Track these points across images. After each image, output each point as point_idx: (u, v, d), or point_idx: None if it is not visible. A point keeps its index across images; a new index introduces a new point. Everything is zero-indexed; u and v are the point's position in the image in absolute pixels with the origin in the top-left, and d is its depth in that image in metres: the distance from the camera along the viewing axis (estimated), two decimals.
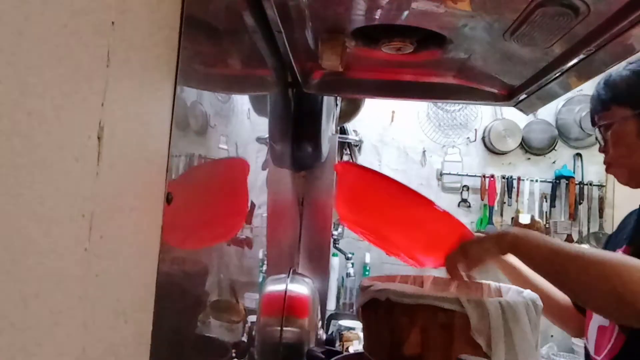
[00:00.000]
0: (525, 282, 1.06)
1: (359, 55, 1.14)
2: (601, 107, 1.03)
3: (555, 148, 3.12)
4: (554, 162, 3.13)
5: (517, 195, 3.07)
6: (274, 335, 1.26)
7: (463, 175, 3.11)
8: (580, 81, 1.12)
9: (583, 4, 0.78)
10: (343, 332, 1.93)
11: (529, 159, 3.14)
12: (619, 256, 0.83)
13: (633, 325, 0.86)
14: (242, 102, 1.05)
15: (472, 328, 0.75)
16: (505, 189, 3.08)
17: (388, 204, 0.90)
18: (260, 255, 1.39)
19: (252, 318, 1.26)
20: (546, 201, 3.08)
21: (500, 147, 3.06)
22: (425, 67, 1.23)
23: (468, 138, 3.09)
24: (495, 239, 0.87)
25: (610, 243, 1.14)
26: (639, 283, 0.73)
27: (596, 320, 1.02)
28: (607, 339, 0.97)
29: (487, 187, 3.07)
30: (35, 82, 0.36)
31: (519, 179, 3.07)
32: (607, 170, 1.06)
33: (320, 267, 1.91)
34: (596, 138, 1.08)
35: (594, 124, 1.07)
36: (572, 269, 0.79)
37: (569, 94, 2.75)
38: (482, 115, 2.99)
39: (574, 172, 3.08)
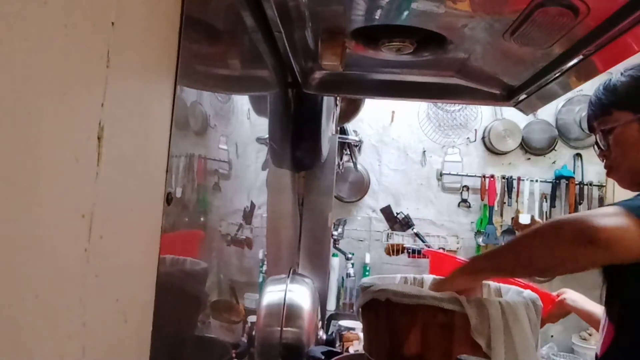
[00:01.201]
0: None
1: (359, 55, 1.14)
2: (601, 111, 1.03)
3: (555, 148, 3.12)
4: (554, 162, 3.13)
5: (517, 195, 3.06)
6: (274, 335, 1.26)
7: (463, 175, 3.10)
8: (580, 81, 1.12)
9: (583, 4, 0.78)
10: (343, 332, 1.92)
11: (529, 159, 3.14)
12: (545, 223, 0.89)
13: (603, 263, 0.88)
14: (242, 102, 1.05)
15: (472, 328, 0.74)
16: (505, 189, 3.08)
17: None
18: (260, 255, 1.39)
19: (252, 318, 1.26)
20: (546, 201, 3.07)
21: (500, 147, 3.06)
22: (425, 67, 1.23)
23: (468, 138, 3.09)
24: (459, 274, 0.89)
25: None
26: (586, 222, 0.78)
27: (603, 323, 1.02)
28: (604, 335, 0.97)
29: (487, 187, 3.07)
30: (35, 82, 0.36)
31: (519, 179, 3.07)
32: (608, 175, 1.06)
33: (320, 267, 1.91)
34: (595, 143, 1.08)
35: (591, 129, 1.07)
36: (525, 246, 0.85)
37: (569, 94, 2.74)
38: (482, 115, 2.98)
39: (574, 172, 3.08)
